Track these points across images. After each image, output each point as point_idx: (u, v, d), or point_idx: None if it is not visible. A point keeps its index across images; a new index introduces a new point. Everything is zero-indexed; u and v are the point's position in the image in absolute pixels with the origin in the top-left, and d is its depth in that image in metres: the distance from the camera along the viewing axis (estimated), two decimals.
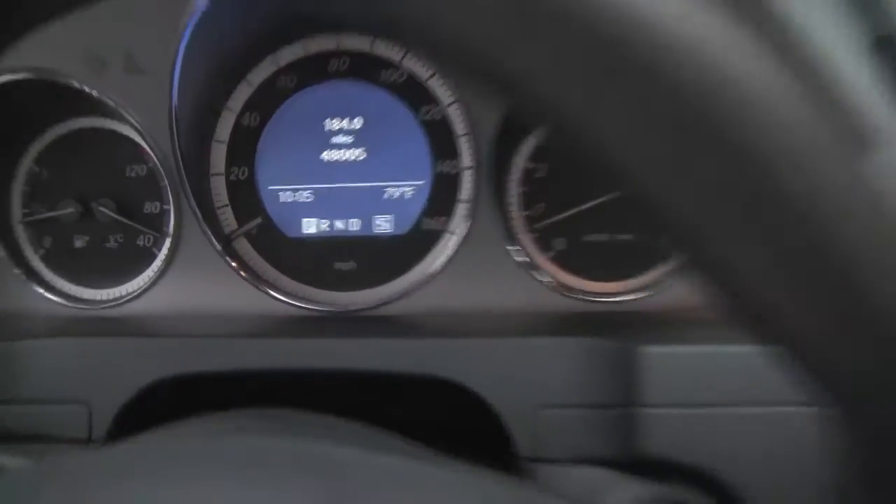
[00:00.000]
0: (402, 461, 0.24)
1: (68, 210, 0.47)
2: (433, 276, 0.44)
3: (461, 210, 0.45)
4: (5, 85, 0.43)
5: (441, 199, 0.46)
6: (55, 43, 0.42)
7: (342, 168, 0.46)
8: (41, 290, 0.47)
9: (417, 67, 0.45)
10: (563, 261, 0.45)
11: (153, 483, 0.22)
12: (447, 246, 0.45)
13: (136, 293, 0.47)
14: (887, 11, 0.37)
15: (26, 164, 0.47)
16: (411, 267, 0.46)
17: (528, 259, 0.44)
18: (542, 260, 0.45)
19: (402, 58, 0.45)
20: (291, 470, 0.22)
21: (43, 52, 0.42)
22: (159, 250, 0.47)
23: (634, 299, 0.44)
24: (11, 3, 0.26)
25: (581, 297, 0.44)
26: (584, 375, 0.37)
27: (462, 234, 0.44)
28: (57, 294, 0.47)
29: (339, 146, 0.47)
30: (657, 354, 0.36)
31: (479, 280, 0.44)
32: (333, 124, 0.46)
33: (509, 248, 0.44)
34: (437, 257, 0.45)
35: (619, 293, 0.44)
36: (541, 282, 0.44)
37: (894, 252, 0.16)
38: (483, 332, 0.40)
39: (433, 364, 0.38)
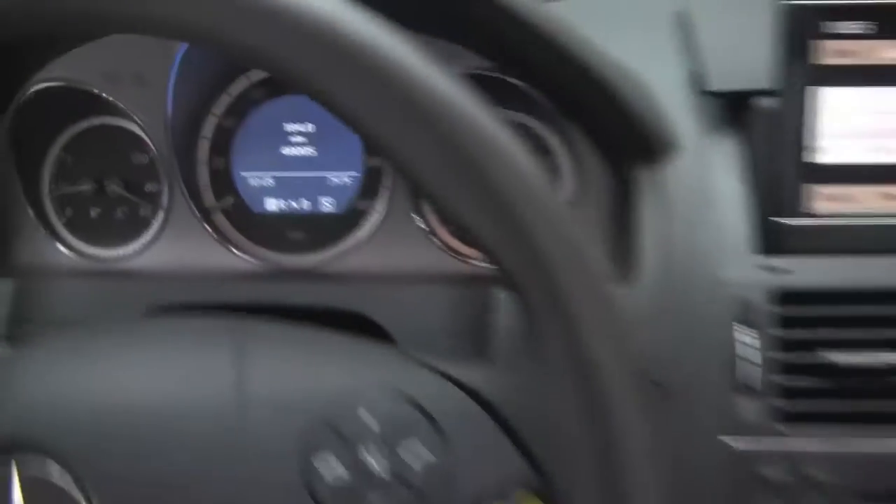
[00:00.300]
0: (297, 328, 0.38)
1: (86, 187, 0.60)
2: (362, 243, 0.58)
3: (384, 194, 0.59)
4: (42, 90, 0.57)
5: (370, 186, 0.59)
6: (82, 61, 0.56)
7: (297, 161, 0.60)
8: (62, 248, 0.60)
9: None
10: (460, 233, 0.59)
11: (105, 351, 0.36)
12: (373, 221, 0.59)
13: (136, 252, 0.60)
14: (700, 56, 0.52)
15: (55, 151, 0.61)
16: (346, 237, 0.59)
17: (429, 229, 0.58)
18: (442, 232, 0.59)
19: None
20: (202, 332, 0.36)
21: (72, 67, 0.56)
22: (156, 220, 0.61)
23: None
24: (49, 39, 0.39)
25: (469, 260, 0.58)
26: (457, 313, 0.51)
27: (384, 213, 0.58)
28: (75, 252, 0.61)
29: (295, 144, 0.60)
30: (507, 297, 0.50)
31: (395, 246, 0.58)
32: (291, 127, 0.60)
33: (416, 218, 0.58)
34: (365, 229, 0.59)
35: None
36: (439, 248, 0.58)
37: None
38: (391, 281, 0.54)
39: (350, 303, 0.52)
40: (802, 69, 0.48)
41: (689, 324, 0.47)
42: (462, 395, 0.34)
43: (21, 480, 0.32)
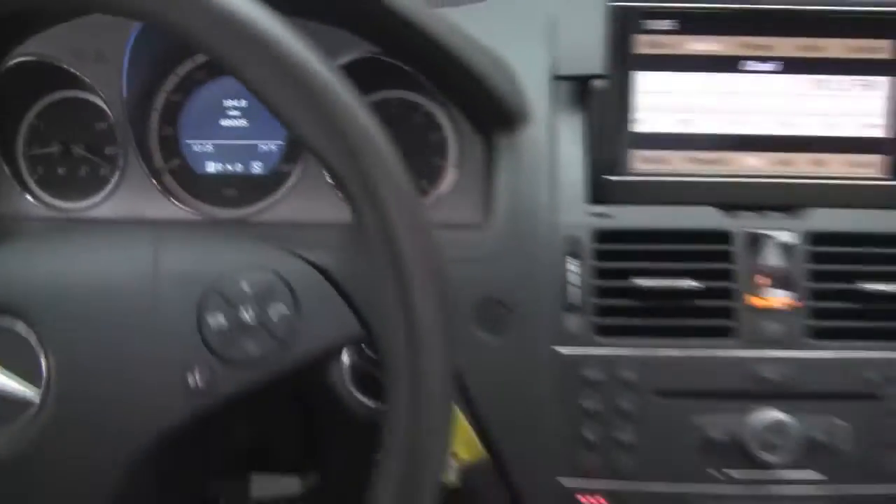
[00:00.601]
0: None
1: (55, 149, 0.72)
2: (283, 198, 0.70)
3: (303, 159, 0.71)
4: (19, 64, 0.69)
5: (292, 152, 0.71)
6: (53, 39, 0.68)
7: (232, 131, 0.72)
8: (34, 201, 0.72)
9: None
10: None
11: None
12: (292, 181, 0.71)
13: (96, 204, 0.72)
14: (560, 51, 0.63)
15: (29, 118, 0.72)
16: (271, 194, 0.71)
17: (336, 184, 0.70)
18: None
19: None
20: (130, 231, 0.48)
21: (44, 45, 0.67)
22: (113, 178, 0.72)
23: None
24: (31, 16, 0.51)
25: None
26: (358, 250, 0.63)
27: (301, 174, 0.70)
28: (43, 204, 0.72)
29: (232, 117, 0.72)
30: None
31: (310, 201, 0.70)
32: (229, 103, 0.72)
33: (327, 177, 0.70)
34: (286, 187, 0.71)
35: None
36: (344, 200, 0.70)
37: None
38: (304, 228, 0.66)
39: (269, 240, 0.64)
40: (625, 58, 0.60)
41: (531, 257, 0.59)
42: (317, 273, 0.46)
43: None
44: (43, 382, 0.44)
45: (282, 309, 0.44)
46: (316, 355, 0.45)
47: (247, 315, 0.44)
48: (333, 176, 0.40)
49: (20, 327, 0.44)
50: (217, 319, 0.44)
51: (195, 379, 0.42)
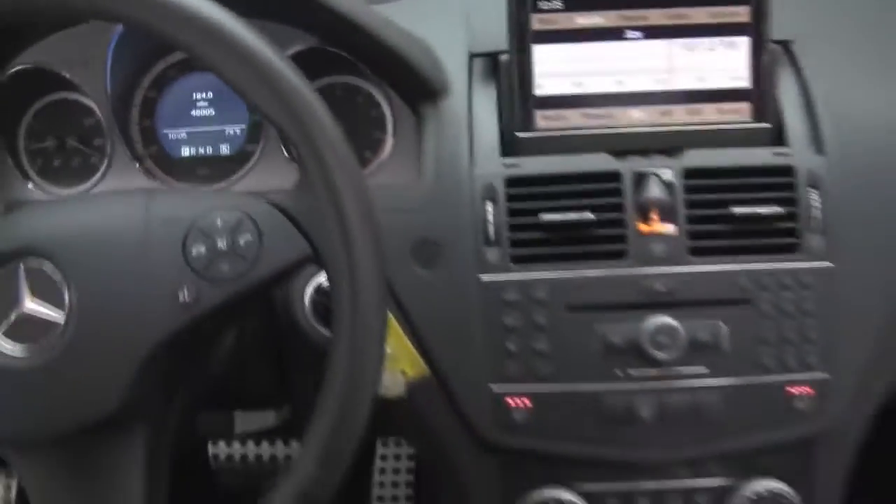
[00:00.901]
0: None
1: (50, 143, 0.82)
2: (248, 173, 0.82)
3: (264, 139, 0.82)
4: (17, 71, 0.80)
5: (254, 134, 0.82)
6: (45, 49, 0.79)
7: (202, 119, 0.83)
8: (34, 188, 0.82)
9: None
10: None
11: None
12: (255, 158, 0.82)
13: (88, 189, 0.83)
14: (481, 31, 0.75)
15: (28, 118, 0.83)
16: (238, 171, 0.82)
17: (291, 157, 0.82)
18: None
19: None
20: (128, 192, 0.60)
21: (39, 54, 0.78)
22: (102, 166, 0.84)
23: None
24: (29, 29, 0.63)
25: None
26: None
27: (262, 151, 0.82)
28: (43, 191, 0.82)
29: (201, 107, 0.83)
30: None
31: (271, 173, 0.81)
32: (198, 95, 0.83)
33: (284, 153, 0.81)
34: (251, 163, 0.82)
35: None
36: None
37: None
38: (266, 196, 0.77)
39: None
40: (525, 34, 0.72)
41: (456, 204, 0.71)
42: (277, 212, 0.57)
43: (26, 271, 0.56)
44: (66, 308, 0.55)
45: (248, 237, 0.55)
46: (277, 272, 0.56)
47: (221, 243, 0.55)
48: (287, 143, 0.52)
49: (48, 266, 0.56)
50: (199, 248, 0.55)
51: (184, 295, 0.54)
